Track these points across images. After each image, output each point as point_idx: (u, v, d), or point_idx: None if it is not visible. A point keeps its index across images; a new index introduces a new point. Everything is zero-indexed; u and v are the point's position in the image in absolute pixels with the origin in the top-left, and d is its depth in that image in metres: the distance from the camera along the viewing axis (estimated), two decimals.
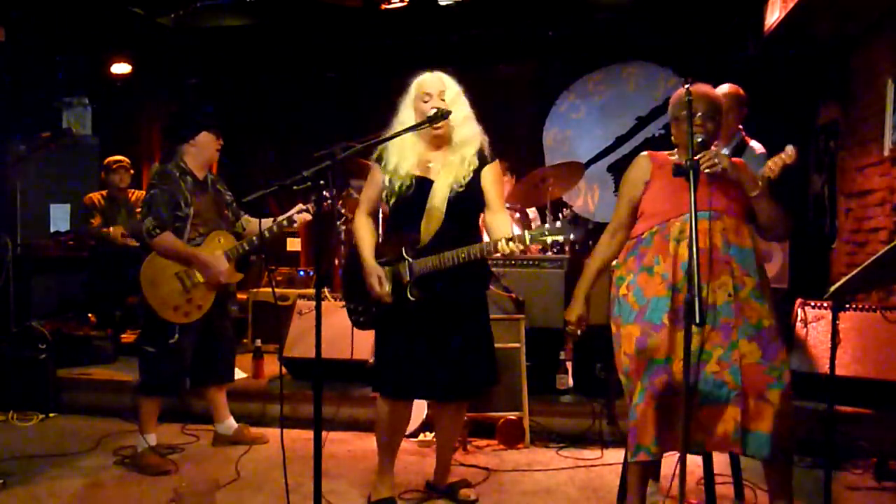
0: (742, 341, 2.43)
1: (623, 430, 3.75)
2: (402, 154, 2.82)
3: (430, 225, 2.80)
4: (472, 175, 2.82)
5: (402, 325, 2.82)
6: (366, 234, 2.90)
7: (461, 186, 2.80)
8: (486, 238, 2.84)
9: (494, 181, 2.88)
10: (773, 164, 3.50)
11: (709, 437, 2.46)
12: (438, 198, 2.79)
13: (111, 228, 5.37)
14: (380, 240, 2.97)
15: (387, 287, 2.79)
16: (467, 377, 2.84)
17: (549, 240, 2.64)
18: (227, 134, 3.73)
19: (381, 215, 3.24)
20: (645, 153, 2.77)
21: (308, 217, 3.55)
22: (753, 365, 2.42)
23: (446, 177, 2.81)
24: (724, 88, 3.92)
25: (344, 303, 3.02)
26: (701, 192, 2.48)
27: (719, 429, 2.44)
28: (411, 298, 2.76)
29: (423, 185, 2.81)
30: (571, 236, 2.65)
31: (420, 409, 3.79)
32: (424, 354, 2.79)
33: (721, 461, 2.80)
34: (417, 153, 2.84)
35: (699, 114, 2.53)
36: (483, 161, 2.85)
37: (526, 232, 2.65)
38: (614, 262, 2.79)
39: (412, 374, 2.81)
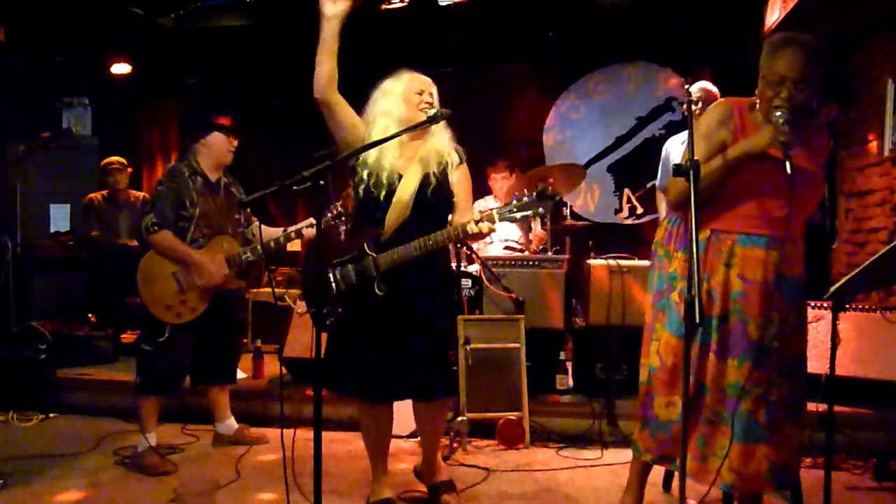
0: (778, 380, 2.37)
1: (623, 430, 3.75)
2: (384, 148, 2.75)
3: (395, 218, 2.75)
4: (442, 172, 2.81)
5: (368, 324, 2.77)
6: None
7: (431, 181, 2.77)
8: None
9: (463, 181, 2.87)
10: None
11: (741, 479, 2.36)
12: (406, 190, 2.76)
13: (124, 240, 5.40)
14: (342, 238, 2.91)
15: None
16: (436, 376, 2.83)
17: (518, 216, 2.55)
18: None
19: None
20: (725, 101, 2.48)
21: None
22: (782, 400, 2.37)
23: (416, 171, 2.78)
24: (698, 86, 3.95)
25: (306, 305, 2.97)
26: (765, 204, 2.36)
27: (752, 468, 2.36)
28: (379, 293, 2.70)
29: (393, 181, 2.77)
30: (541, 209, 2.52)
31: None
32: (392, 355, 2.76)
33: None
34: (397, 146, 2.79)
35: (791, 79, 2.27)
36: (452, 162, 2.84)
37: (494, 210, 2.59)
38: (662, 251, 2.61)
39: (380, 376, 2.78)
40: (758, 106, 2.41)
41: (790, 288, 2.40)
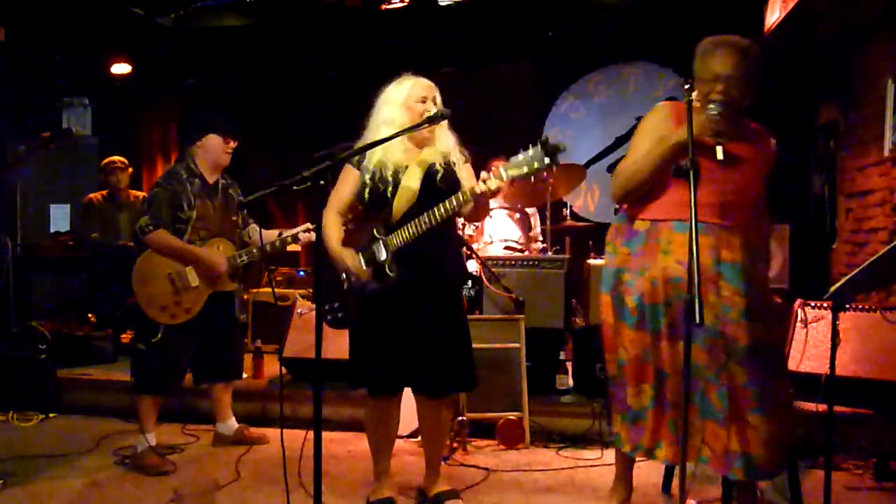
0: (731, 364, 2.38)
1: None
2: (389, 149, 2.78)
3: (403, 204, 2.76)
4: (447, 163, 2.82)
5: (381, 316, 2.78)
6: (334, 229, 2.83)
7: (437, 170, 2.79)
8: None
9: (468, 172, 2.87)
10: None
11: (712, 454, 2.43)
12: (413, 178, 2.77)
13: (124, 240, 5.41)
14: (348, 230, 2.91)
15: (362, 265, 2.74)
16: (447, 372, 2.82)
17: (525, 169, 2.53)
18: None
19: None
20: (664, 103, 2.64)
21: (314, 237, 3.52)
22: (739, 388, 2.38)
23: (421, 164, 2.79)
24: None
25: (315, 305, 2.98)
26: (700, 192, 2.39)
27: (716, 447, 2.42)
28: (391, 274, 2.71)
29: (399, 172, 2.80)
30: (546, 160, 2.51)
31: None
32: (404, 346, 2.76)
33: None
34: (403, 150, 2.82)
35: (724, 76, 2.39)
36: (459, 160, 2.86)
37: (502, 168, 2.57)
38: (611, 248, 2.69)
39: (392, 367, 2.78)
40: (694, 106, 2.51)
41: (731, 273, 2.43)
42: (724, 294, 2.41)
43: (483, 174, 2.60)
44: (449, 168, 2.82)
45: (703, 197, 2.41)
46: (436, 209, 2.64)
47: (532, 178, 2.57)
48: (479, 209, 2.82)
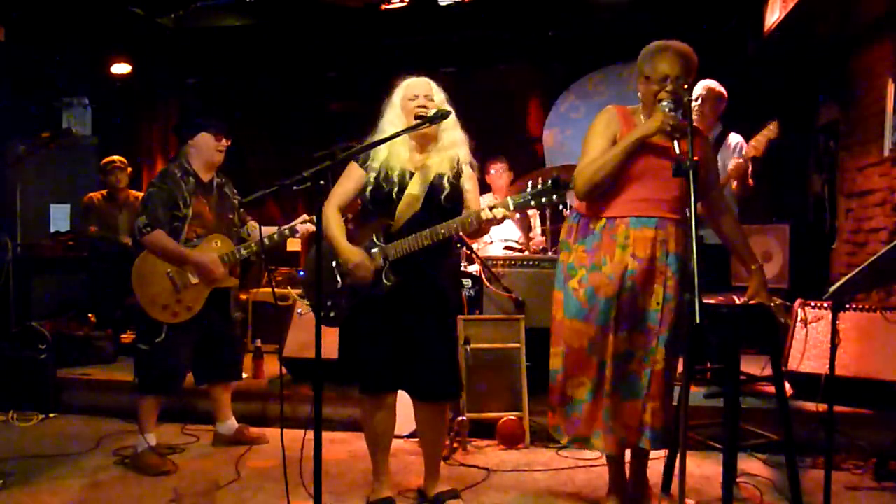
0: (659, 348, 2.57)
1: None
2: (393, 151, 2.80)
3: (405, 211, 2.78)
4: (455, 175, 2.84)
5: (374, 317, 2.79)
6: (337, 224, 2.83)
7: (444, 183, 2.80)
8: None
9: (470, 182, 2.91)
10: (757, 142, 3.60)
11: (629, 431, 2.62)
12: (417, 185, 2.79)
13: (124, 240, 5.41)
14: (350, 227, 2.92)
15: (370, 266, 2.74)
16: (439, 376, 2.82)
17: (533, 203, 2.63)
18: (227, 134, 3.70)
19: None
20: (610, 106, 2.78)
21: (312, 228, 3.54)
22: (660, 372, 2.57)
23: (428, 171, 2.81)
24: (702, 84, 3.96)
25: (308, 301, 3.01)
26: (653, 188, 2.57)
27: (632, 421, 2.61)
28: (387, 283, 2.73)
29: (405, 176, 2.81)
30: (554, 198, 2.62)
31: None
32: (401, 349, 2.78)
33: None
34: (407, 150, 2.83)
35: (672, 76, 2.54)
36: (466, 173, 2.89)
37: (509, 198, 2.65)
38: (565, 245, 2.80)
39: (386, 367, 2.79)
40: (640, 108, 2.68)
41: (673, 262, 2.60)
42: (668, 284, 2.58)
43: (490, 201, 2.68)
44: (456, 181, 2.84)
45: (656, 193, 2.58)
46: (439, 229, 2.67)
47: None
48: (480, 231, 2.87)
